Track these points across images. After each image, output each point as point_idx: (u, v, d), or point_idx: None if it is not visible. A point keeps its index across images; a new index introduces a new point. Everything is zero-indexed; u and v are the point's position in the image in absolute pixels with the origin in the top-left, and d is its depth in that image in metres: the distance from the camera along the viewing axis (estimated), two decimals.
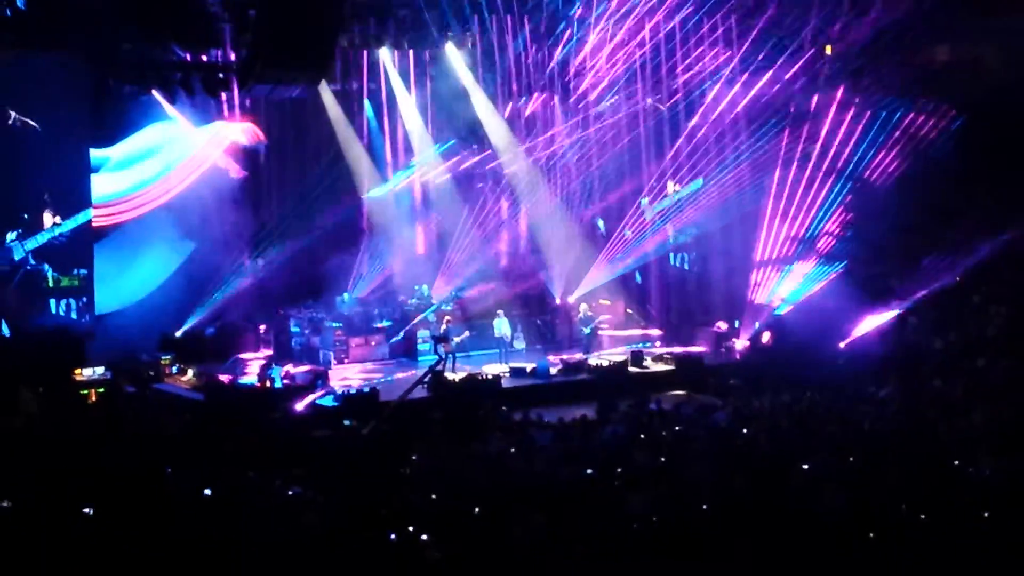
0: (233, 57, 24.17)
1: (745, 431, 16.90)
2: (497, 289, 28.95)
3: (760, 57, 27.27)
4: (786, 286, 27.37)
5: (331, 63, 23.97)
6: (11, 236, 23.46)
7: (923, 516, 11.89)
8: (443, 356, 24.71)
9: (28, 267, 23.62)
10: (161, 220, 25.96)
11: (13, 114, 23.07)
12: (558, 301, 29.52)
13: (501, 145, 29.04)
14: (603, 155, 29.34)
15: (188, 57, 24.25)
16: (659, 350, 27.10)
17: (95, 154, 24.71)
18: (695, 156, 28.32)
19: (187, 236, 26.40)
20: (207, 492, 13.12)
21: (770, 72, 27.34)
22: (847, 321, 25.16)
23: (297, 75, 22.82)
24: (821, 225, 27.41)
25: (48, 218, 23.72)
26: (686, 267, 30.32)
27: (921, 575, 10.68)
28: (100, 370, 23.05)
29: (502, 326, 26.69)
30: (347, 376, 25.10)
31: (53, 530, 11.38)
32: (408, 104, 27.98)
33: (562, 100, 29.13)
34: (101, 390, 22.62)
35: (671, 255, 30.38)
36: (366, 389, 22.58)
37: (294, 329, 27.13)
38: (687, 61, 27.86)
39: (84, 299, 24.13)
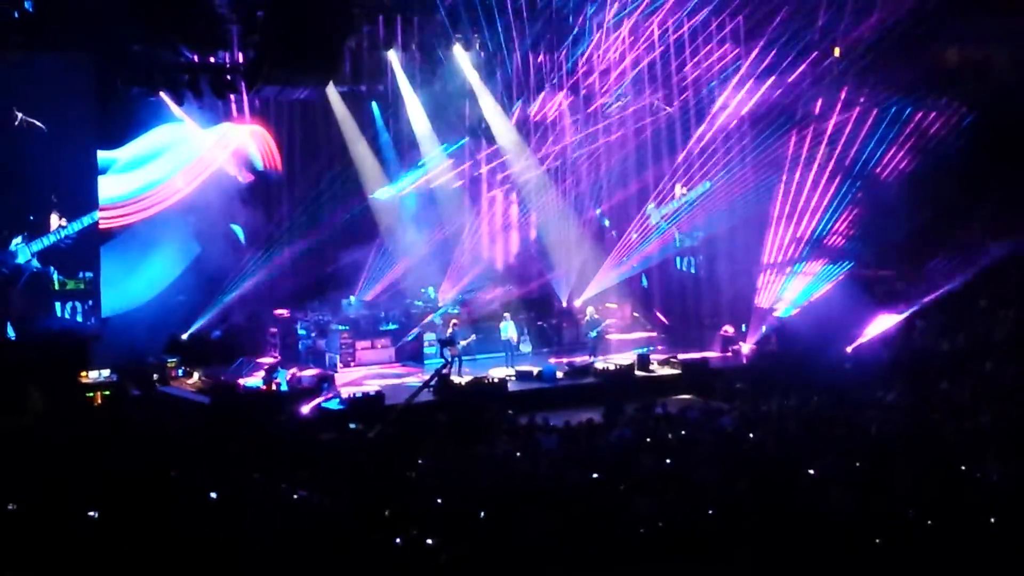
0: (241, 59, 24.23)
1: (752, 435, 16.86)
2: (504, 292, 28.93)
3: (768, 58, 27.21)
4: (793, 289, 27.31)
5: (339, 64, 24.04)
6: (17, 239, 23.44)
7: (930, 520, 11.85)
8: (449, 359, 24.68)
9: (34, 269, 23.58)
10: (168, 222, 25.91)
11: (20, 115, 22.99)
12: (564, 304, 29.47)
13: (509, 147, 29.02)
14: (611, 157, 29.32)
15: (196, 59, 24.16)
16: (665, 354, 27.02)
17: (102, 156, 24.64)
18: (703, 158, 28.29)
19: (194, 238, 26.39)
20: (212, 495, 13.12)
21: (778, 73, 27.30)
22: (854, 325, 25.09)
23: (305, 76, 22.90)
24: (829, 226, 27.33)
25: (55, 220, 23.67)
26: (692, 270, 30.26)
27: None
28: (106, 373, 23.05)
29: (508, 329, 26.62)
30: (353, 379, 25.03)
31: (59, 532, 11.39)
32: (415, 105, 27.95)
33: (570, 102, 29.07)
34: (107, 393, 22.61)
35: (677, 258, 30.36)
36: (372, 392, 22.56)
37: (300, 332, 27.11)
38: (695, 59, 27.86)
39: (90, 302, 24.07)
